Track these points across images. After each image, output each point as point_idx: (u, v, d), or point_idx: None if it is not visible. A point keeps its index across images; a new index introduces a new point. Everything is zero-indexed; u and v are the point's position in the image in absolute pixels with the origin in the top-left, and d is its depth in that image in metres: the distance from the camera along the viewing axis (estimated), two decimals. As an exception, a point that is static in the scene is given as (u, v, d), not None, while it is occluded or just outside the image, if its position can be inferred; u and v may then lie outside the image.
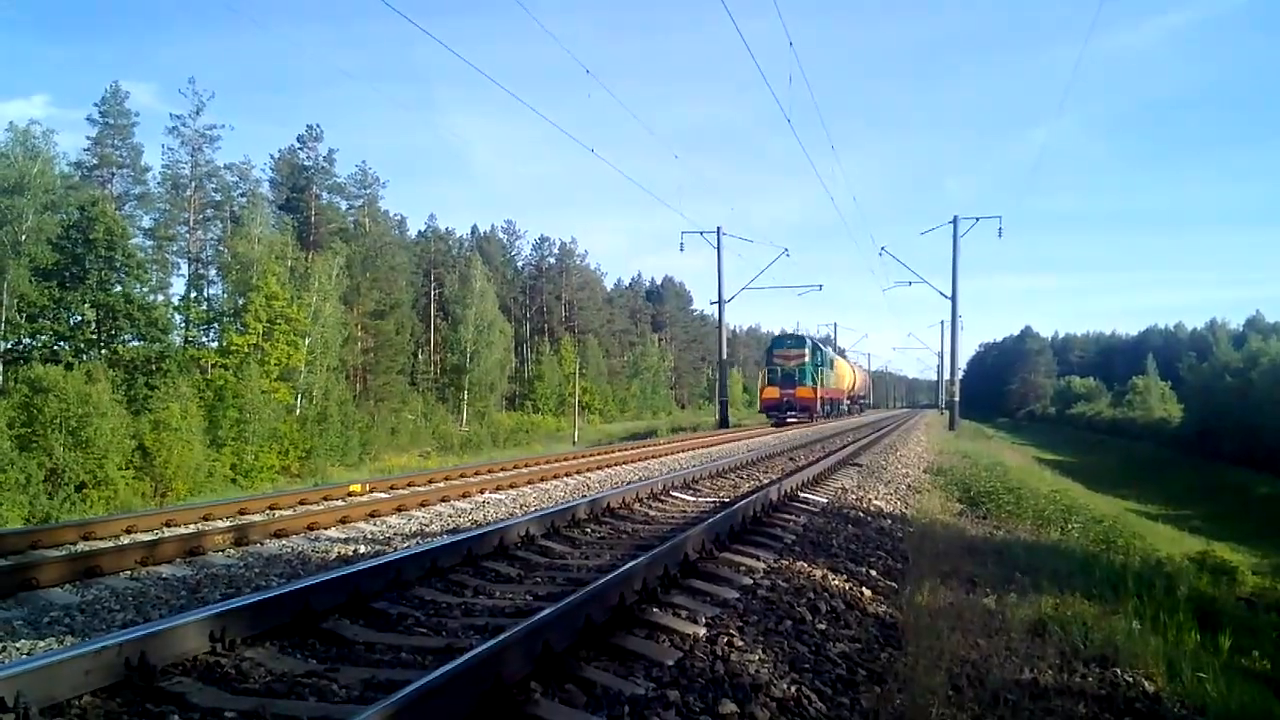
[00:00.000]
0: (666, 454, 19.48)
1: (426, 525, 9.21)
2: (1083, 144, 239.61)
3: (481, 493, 11.61)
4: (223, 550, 7.67)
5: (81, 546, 7.71)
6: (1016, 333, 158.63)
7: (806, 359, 41.68)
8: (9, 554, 7.26)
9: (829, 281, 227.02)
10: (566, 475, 14.15)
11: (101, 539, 8.11)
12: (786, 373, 41.26)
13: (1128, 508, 32.32)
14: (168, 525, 8.95)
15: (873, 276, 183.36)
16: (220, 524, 8.90)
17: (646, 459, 17.89)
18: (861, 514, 10.77)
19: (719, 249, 42.76)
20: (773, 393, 41.48)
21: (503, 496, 11.50)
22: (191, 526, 8.86)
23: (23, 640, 4.89)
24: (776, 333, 51.97)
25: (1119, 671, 5.10)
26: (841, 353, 72.42)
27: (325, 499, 11.25)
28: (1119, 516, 22.22)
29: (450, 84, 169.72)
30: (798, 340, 44.10)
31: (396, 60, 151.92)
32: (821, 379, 42.83)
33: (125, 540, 7.98)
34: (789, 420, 40.46)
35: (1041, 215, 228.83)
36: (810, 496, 11.48)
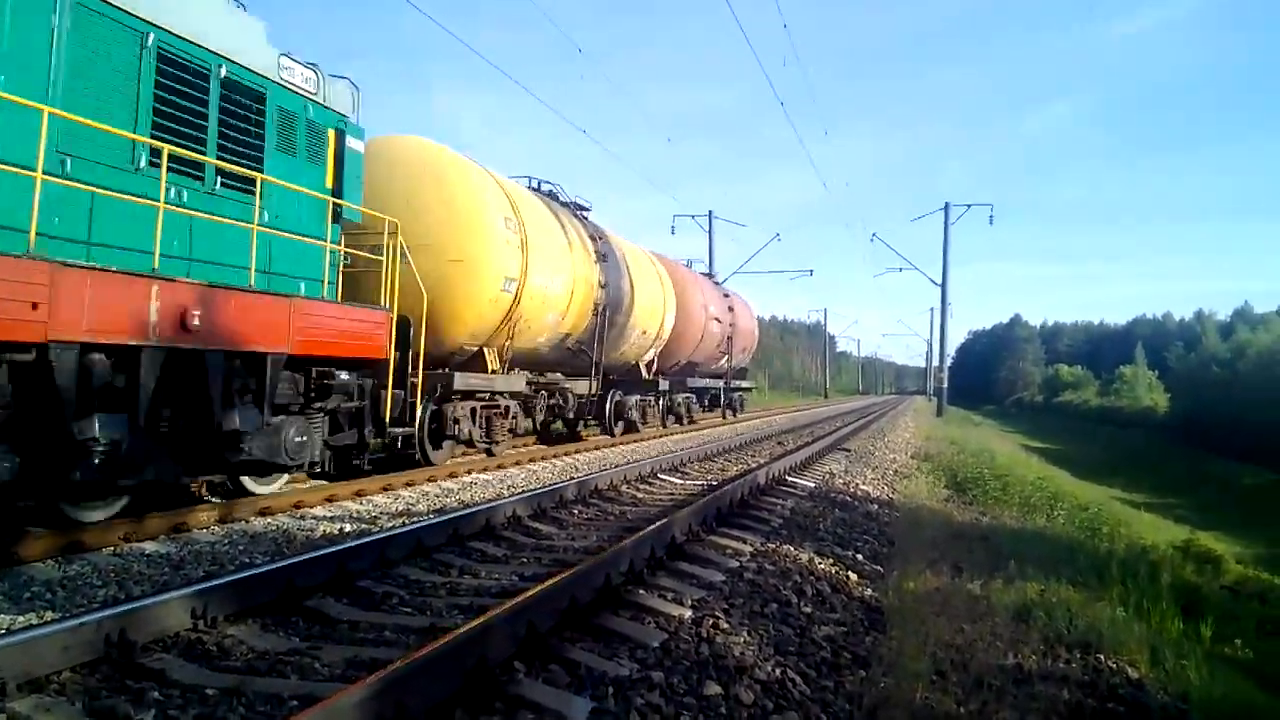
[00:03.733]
0: (655, 438, 19.48)
1: (413, 505, 9.17)
2: (1075, 135, 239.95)
3: (469, 473, 11.57)
4: (207, 528, 7.62)
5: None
6: (1006, 321, 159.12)
7: None
8: (-9, 529, 7.19)
9: (820, 267, 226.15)
10: (555, 457, 14.13)
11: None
12: None
13: (1114, 496, 32.46)
14: (152, 502, 8.87)
15: (863, 262, 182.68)
16: (205, 500, 8.84)
17: (635, 442, 17.88)
18: (849, 498, 10.79)
19: (710, 232, 42.64)
20: None
21: (490, 477, 11.47)
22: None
23: (1, 616, 4.84)
24: None
25: (1102, 657, 5.12)
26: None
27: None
28: (1105, 504, 22.34)
29: (441, 60, 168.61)
30: None
31: (386, 35, 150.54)
32: None
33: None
34: None
35: (1033, 205, 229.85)
36: (798, 481, 11.49)
